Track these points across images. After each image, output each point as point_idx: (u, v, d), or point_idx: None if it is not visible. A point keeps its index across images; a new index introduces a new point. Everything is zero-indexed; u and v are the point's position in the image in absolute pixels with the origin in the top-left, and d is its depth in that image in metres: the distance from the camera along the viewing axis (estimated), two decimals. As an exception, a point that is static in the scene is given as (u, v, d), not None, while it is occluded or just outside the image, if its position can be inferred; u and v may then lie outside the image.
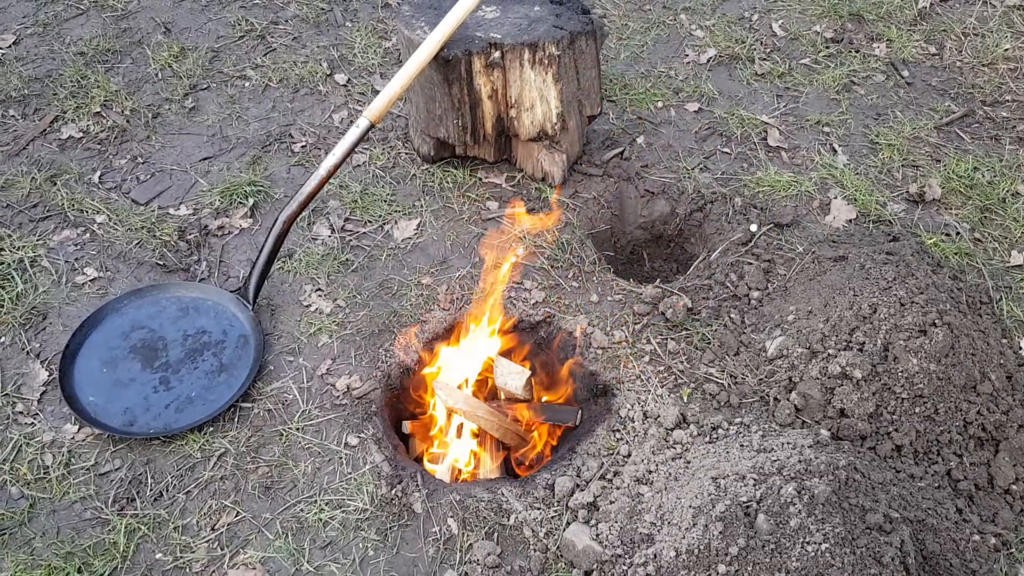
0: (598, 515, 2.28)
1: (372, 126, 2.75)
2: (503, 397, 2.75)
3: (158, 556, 2.26)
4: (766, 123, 3.56)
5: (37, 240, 3.04)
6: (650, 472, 2.34)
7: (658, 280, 2.95)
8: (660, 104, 3.67)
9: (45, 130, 3.47)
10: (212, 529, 2.32)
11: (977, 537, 2.21)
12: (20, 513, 2.33)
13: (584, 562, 2.19)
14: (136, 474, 2.43)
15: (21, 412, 2.57)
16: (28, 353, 2.71)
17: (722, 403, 2.54)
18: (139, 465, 2.45)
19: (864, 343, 2.43)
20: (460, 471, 2.65)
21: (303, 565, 2.24)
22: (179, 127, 3.53)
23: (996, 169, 3.33)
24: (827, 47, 3.97)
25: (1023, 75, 3.81)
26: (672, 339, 2.71)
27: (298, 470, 2.44)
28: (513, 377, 2.68)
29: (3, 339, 2.74)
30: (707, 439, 2.42)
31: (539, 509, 2.32)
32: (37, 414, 2.57)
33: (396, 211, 3.17)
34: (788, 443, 2.26)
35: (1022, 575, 2.22)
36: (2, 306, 2.81)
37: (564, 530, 2.27)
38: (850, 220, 3.11)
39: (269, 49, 3.92)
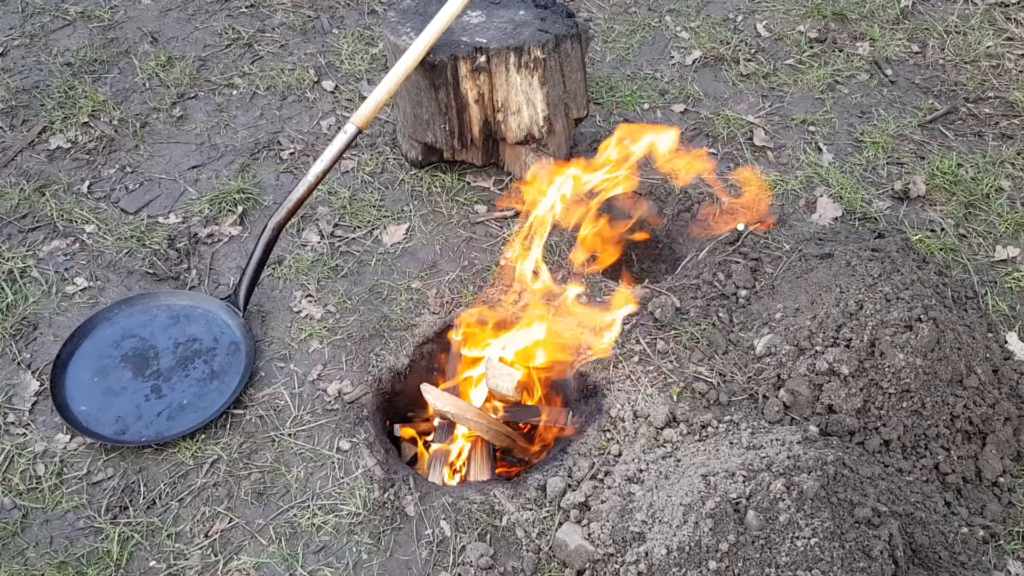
0: (590, 515, 2.29)
1: (360, 132, 2.77)
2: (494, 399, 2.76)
3: (152, 564, 2.27)
4: (751, 123, 3.58)
5: (27, 251, 3.04)
6: (641, 471, 2.35)
7: (646, 280, 2.96)
8: (646, 106, 3.69)
9: (33, 141, 3.48)
10: (205, 536, 2.32)
11: (965, 530, 2.22)
12: (13, 523, 2.34)
13: (576, 562, 2.20)
14: (129, 482, 2.44)
15: (13, 422, 2.57)
16: (19, 363, 2.72)
17: (711, 401, 2.55)
18: (132, 473, 2.46)
19: (851, 339, 2.45)
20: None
21: (297, 570, 2.24)
22: (167, 136, 3.54)
23: (980, 165, 3.36)
24: (811, 47, 4.00)
25: (1005, 72, 3.84)
26: (661, 339, 2.73)
27: (291, 475, 2.45)
28: (504, 379, 2.69)
29: (-6, 350, 2.75)
30: (697, 437, 2.44)
31: (531, 510, 2.33)
32: (29, 424, 2.57)
33: (385, 216, 3.19)
34: (777, 440, 2.27)
35: (1011, 567, 2.24)
36: (-8, 317, 2.82)
37: (556, 530, 2.28)
38: (836, 218, 3.14)
39: (256, 57, 3.93)
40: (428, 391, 2.59)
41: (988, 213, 3.18)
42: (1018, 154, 3.40)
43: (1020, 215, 3.15)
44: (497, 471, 2.68)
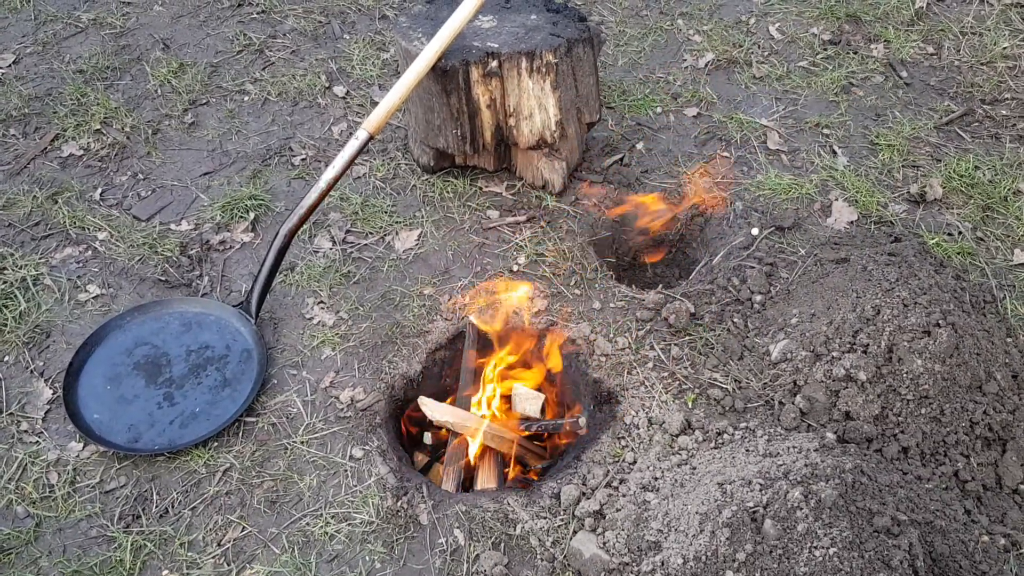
0: (604, 523, 2.27)
1: (371, 138, 2.76)
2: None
3: (165, 573, 2.26)
4: (765, 126, 3.56)
5: (39, 258, 3.04)
6: (656, 479, 2.33)
7: (660, 286, 2.94)
8: (659, 109, 3.67)
9: (46, 148, 3.49)
10: (218, 545, 2.31)
11: (986, 538, 2.19)
12: (26, 532, 2.33)
13: (591, 571, 2.18)
14: (141, 491, 2.43)
15: (26, 431, 2.57)
16: (32, 372, 2.72)
17: (727, 408, 2.53)
18: (144, 482, 2.45)
19: (868, 345, 2.42)
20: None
21: (310, 579, 2.24)
22: (179, 143, 3.54)
23: (997, 167, 3.32)
24: (825, 49, 3.97)
25: (1022, 73, 3.80)
26: (675, 345, 2.71)
27: (303, 484, 2.43)
28: (530, 402, 2.71)
29: (7, 358, 2.75)
30: (712, 444, 2.42)
31: (545, 518, 2.32)
32: (42, 432, 2.57)
33: (397, 222, 3.17)
34: (794, 447, 2.25)
35: (1032, 575, 2.21)
36: (5, 325, 2.82)
37: (571, 539, 2.26)
38: (851, 222, 3.11)
39: (268, 63, 3.93)
40: (425, 404, 2.58)
41: (1006, 216, 3.14)
42: (1036, 156, 3.37)
43: (1038, 218, 3.12)
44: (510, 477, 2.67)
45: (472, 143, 3.10)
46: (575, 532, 2.28)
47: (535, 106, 2.97)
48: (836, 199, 3.19)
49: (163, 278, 3.00)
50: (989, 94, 3.71)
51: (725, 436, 2.43)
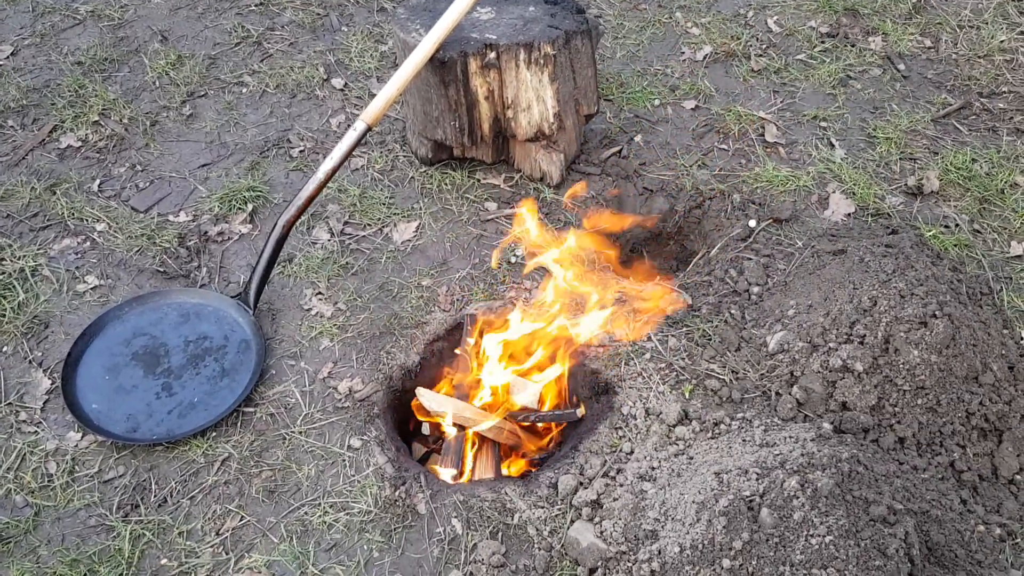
0: (602, 512, 2.28)
1: (369, 129, 2.76)
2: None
3: (163, 562, 2.26)
4: (763, 119, 3.56)
5: (38, 249, 3.05)
6: (653, 469, 2.34)
7: (658, 277, 2.95)
8: (657, 102, 3.67)
9: (44, 140, 3.48)
10: (217, 534, 2.32)
11: (982, 528, 2.20)
12: (25, 521, 2.34)
13: (589, 560, 2.19)
14: (140, 480, 2.43)
15: (24, 421, 2.57)
16: (30, 362, 2.72)
17: (724, 399, 2.54)
18: (143, 471, 2.46)
19: (865, 336, 2.43)
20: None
21: (308, 568, 2.24)
22: (177, 134, 3.54)
23: (994, 160, 3.33)
24: (823, 42, 3.97)
25: (1019, 66, 3.81)
26: (673, 336, 2.71)
27: (301, 473, 2.44)
28: (527, 393, 2.71)
29: (5, 348, 2.75)
30: (709, 435, 2.42)
31: (543, 508, 2.32)
32: (40, 422, 2.57)
33: (395, 214, 3.18)
34: (790, 437, 2.26)
35: (1028, 565, 2.22)
36: (4, 315, 2.82)
37: (568, 528, 2.27)
38: (849, 214, 3.11)
39: (266, 55, 3.93)
40: (423, 394, 2.58)
41: (1003, 208, 3.15)
42: (1033, 149, 3.37)
43: (1035, 210, 3.13)
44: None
45: (470, 135, 3.11)
46: (572, 521, 2.29)
47: (533, 98, 2.98)
48: (833, 191, 3.19)
49: (161, 269, 3.00)
50: (986, 87, 3.71)
51: (722, 426, 2.44)
